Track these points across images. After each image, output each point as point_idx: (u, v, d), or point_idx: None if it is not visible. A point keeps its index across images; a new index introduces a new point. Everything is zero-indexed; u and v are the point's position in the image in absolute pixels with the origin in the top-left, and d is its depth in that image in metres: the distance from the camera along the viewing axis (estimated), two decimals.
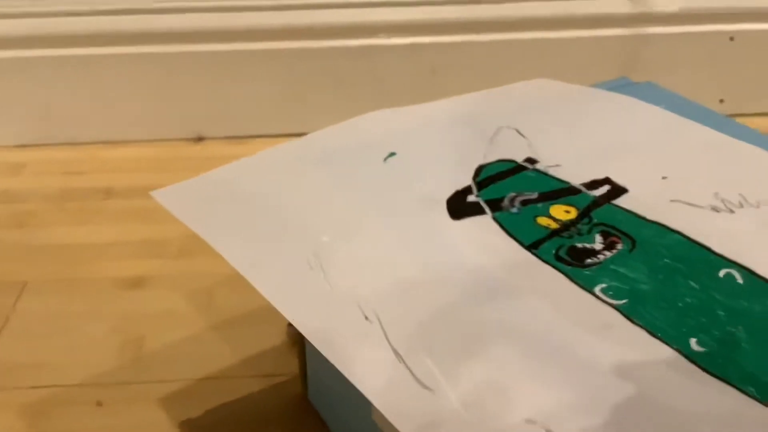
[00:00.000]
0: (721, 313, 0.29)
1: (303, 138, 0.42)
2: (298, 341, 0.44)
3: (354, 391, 0.36)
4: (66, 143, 0.73)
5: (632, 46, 0.73)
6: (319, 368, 0.41)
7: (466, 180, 0.38)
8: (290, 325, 0.50)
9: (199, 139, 0.74)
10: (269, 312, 0.52)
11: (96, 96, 0.72)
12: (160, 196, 0.38)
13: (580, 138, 0.42)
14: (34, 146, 0.73)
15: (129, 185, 0.67)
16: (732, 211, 0.35)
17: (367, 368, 0.27)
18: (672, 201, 0.36)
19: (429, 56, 0.72)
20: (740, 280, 0.31)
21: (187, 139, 0.74)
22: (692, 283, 0.31)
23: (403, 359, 0.27)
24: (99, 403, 0.45)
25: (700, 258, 0.32)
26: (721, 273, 0.32)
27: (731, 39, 0.72)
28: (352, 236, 0.34)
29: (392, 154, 0.40)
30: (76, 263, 0.57)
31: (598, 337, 0.28)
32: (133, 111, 0.73)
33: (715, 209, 0.36)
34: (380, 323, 0.29)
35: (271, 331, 0.50)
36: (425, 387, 0.26)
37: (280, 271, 0.32)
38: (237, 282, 0.55)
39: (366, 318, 0.29)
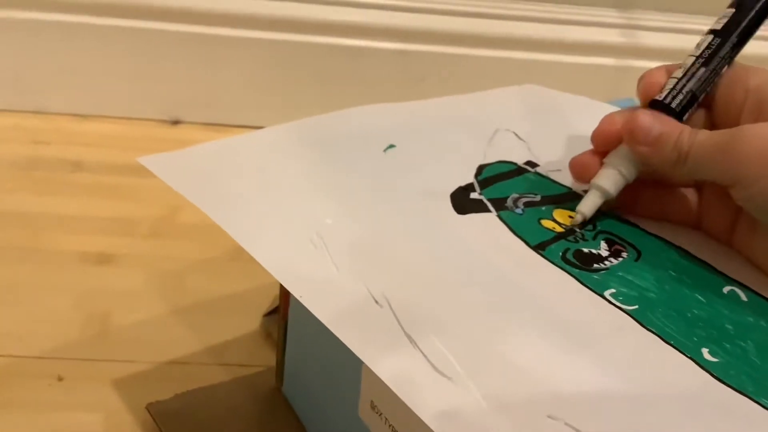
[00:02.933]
0: (729, 326, 0.29)
1: (297, 122, 0.41)
2: (276, 332, 0.42)
3: (339, 386, 0.35)
4: (35, 111, 0.70)
5: (619, 77, 0.74)
6: (299, 361, 0.40)
7: (468, 177, 0.38)
8: (265, 315, 0.49)
9: (176, 122, 0.72)
10: (241, 301, 0.51)
11: (70, 66, 0.70)
12: (148, 162, 0.36)
13: (577, 145, 0.42)
14: (1, 112, 0.70)
15: (99, 160, 0.64)
16: None
17: (381, 352, 0.26)
18: None
19: (419, 64, 0.72)
20: (744, 298, 0.31)
21: (163, 121, 0.72)
22: (699, 297, 0.31)
23: (417, 346, 0.26)
24: (60, 378, 0.43)
25: (704, 274, 0.32)
26: (725, 290, 0.31)
27: None
28: (356, 221, 0.33)
29: (391, 146, 0.40)
30: (41, 233, 0.55)
31: (612, 339, 0.28)
32: (108, 85, 0.71)
33: None
34: (391, 308, 0.27)
35: (243, 321, 0.49)
36: (443, 375, 0.25)
37: (283, 248, 0.31)
38: (209, 268, 0.54)
39: (376, 302, 0.28)
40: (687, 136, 0.32)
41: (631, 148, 0.33)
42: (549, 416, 0.24)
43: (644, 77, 0.35)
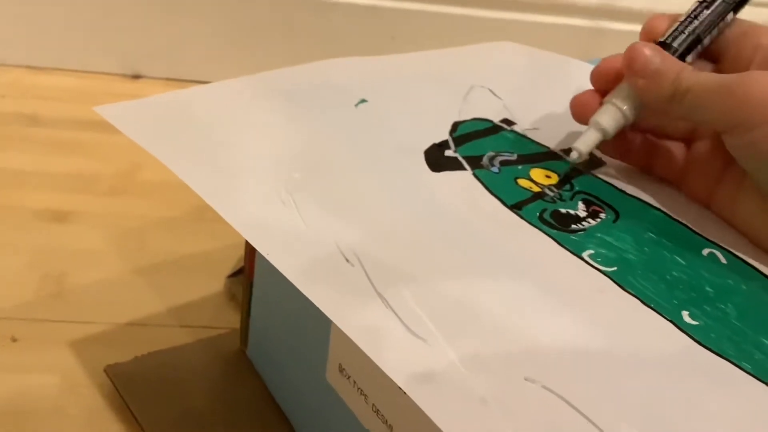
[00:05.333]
0: (709, 289, 0.28)
1: (265, 73, 0.39)
2: (241, 293, 0.41)
3: (306, 349, 0.34)
4: None
5: (593, 38, 0.73)
6: (265, 323, 0.39)
7: (442, 134, 0.36)
8: (229, 276, 0.47)
9: (136, 76, 0.70)
10: (204, 262, 0.49)
11: (25, 15, 0.67)
12: (106, 112, 0.34)
13: (555, 104, 0.41)
14: None
15: (57, 115, 0.62)
16: None
17: (352, 312, 0.24)
18: (649, 178, 0.36)
19: (389, 21, 0.70)
20: (723, 261, 0.30)
21: (123, 75, 0.69)
22: (678, 259, 0.30)
23: (390, 305, 0.25)
24: (14, 339, 0.41)
25: (683, 236, 0.32)
26: (705, 252, 0.31)
27: None
28: (325, 175, 0.32)
29: (363, 100, 0.38)
30: None
31: (591, 301, 0.27)
32: (65, 36, 0.68)
33: None
34: (362, 266, 0.26)
35: (207, 282, 0.47)
36: (417, 336, 0.23)
37: (249, 203, 0.29)
38: (171, 227, 0.52)
39: (347, 260, 0.26)
40: (688, 73, 0.31)
41: (629, 81, 0.33)
42: (526, 379, 0.23)
43: (647, 22, 0.35)
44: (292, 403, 0.37)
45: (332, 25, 0.70)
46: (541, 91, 0.41)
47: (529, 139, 0.37)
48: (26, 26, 0.67)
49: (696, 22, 0.33)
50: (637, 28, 0.35)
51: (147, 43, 0.69)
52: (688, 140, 0.35)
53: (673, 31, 0.33)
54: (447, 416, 0.21)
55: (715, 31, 0.33)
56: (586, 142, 0.34)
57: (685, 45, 0.33)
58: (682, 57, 0.33)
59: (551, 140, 0.37)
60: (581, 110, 0.35)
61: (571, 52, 0.75)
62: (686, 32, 0.33)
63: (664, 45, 0.33)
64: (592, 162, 0.36)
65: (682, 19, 0.34)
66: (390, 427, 0.27)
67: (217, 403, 0.38)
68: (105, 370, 0.39)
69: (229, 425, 0.37)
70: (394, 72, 0.42)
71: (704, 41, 0.33)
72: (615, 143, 0.34)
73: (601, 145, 0.34)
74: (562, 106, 0.40)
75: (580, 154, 0.34)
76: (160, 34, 0.68)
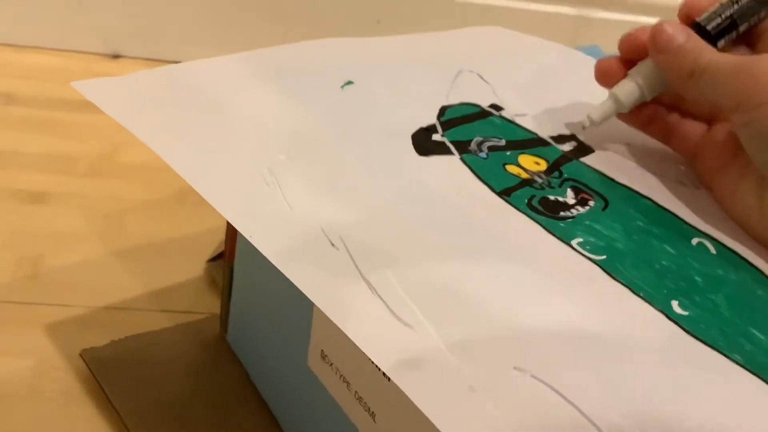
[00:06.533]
0: (698, 279, 0.28)
1: (250, 52, 0.39)
2: (221, 277, 0.40)
3: (287, 335, 0.34)
4: None
5: (579, 26, 0.72)
6: (245, 308, 0.38)
7: (429, 118, 0.36)
8: (210, 260, 0.47)
9: (116, 56, 0.68)
10: (185, 245, 0.48)
11: None
12: (84, 87, 0.33)
13: (543, 89, 0.40)
14: None
15: (34, 93, 0.60)
16: (698, 188, 0.34)
17: (337, 297, 0.24)
18: (638, 167, 0.35)
19: (375, 4, 0.69)
20: (713, 251, 0.30)
21: (102, 55, 0.68)
22: (668, 248, 0.29)
23: (376, 291, 0.24)
24: None
25: (673, 225, 0.31)
26: (694, 241, 0.30)
27: None
28: (311, 157, 0.31)
29: (350, 82, 0.37)
30: None
31: (580, 289, 0.26)
32: (45, 15, 0.66)
33: (681, 183, 0.35)
34: (348, 251, 0.26)
35: (187, 266, 0.46)
36: (404, 323, 0.23)
37: (232, 184, 0.28)
38: (151, 210, 0.51)
39: (332, 244, 0.26)
40: (708, 53, 0.32)
41: (651, 55, 0.33)
42: (515, 368, 0.22)
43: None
44: (273, 390, 0.37)
45: (317, 7, 0.69)
46: (529, 77, 0.41)
47: (517, 124, 0.36)
48: (4, 4, 0.65)
49: (735, 8, 0.33)
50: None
51: (127, 22, 0.67)
52: (710, 122, 0.35)
53: (711, 13, 0.33)
54: (434, 404, 0.21)
55: (754, 20, 0.33)
56: (598, 112, 0.34)
57: (719, 29, 0.33)
58: (713, 40, 0.33)
59: (539, 126, 0.37)
60: (603, 76, 0.36)
61: (558, 41, 0.74)
62: (723, 16, 0.33)
63: (699, 26, 0.33)
64: (582, 149, 0.36)
65: (723, 1, 0.33)
66: (373, 414, 0.27)
67: (195, 389, 0.38)
68: (81, 354, 0.38)
69: (208, 412, 0.36)
70: (382, 54, 0.41)
71: (740, 28, 0.33)
72: (636, 114, 0.35)
73: (622, 115, 0.35)
74: (551, 91, 0.40)
75: (592, 122, 0.34)
76: (141, 13, 0.67)
